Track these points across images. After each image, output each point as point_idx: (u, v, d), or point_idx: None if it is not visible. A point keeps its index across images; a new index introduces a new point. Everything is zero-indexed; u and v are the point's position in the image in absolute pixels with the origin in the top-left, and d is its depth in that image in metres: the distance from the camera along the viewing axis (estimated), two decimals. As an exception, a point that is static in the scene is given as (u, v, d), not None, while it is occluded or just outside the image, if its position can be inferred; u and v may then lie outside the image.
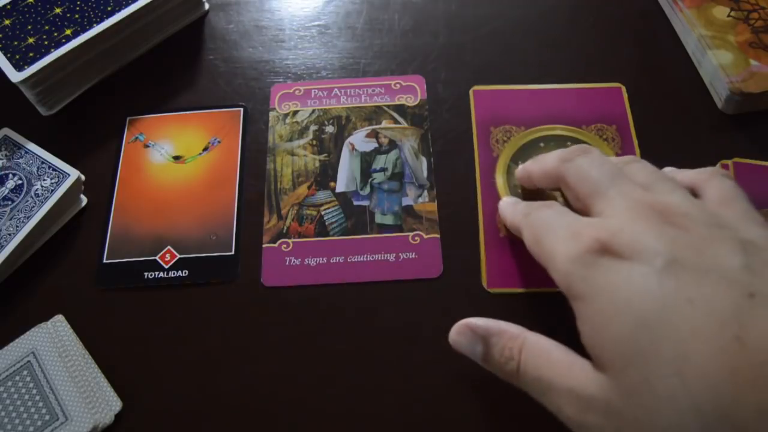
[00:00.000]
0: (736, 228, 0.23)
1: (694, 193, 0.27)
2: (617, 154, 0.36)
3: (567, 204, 0.29)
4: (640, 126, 0.37)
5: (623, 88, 0.38)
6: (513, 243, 0.33)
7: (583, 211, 0.27)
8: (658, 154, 0.36)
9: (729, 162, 0.34)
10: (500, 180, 0.36)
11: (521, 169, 0.33)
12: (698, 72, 0.39)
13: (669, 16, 0.42)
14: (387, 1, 0.44)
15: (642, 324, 0.21)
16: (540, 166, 0.31)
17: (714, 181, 0.27)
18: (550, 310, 0.29)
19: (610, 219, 0.24)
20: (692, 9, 0.39)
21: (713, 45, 0.38)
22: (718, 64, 0.37)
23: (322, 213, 0.35)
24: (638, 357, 0.21)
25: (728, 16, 0.39)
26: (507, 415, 0.29)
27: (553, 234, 0.25)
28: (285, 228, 0.35)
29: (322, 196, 0.35)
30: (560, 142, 0.37)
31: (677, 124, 0.37)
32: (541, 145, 0.36)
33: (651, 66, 0.40)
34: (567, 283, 0.24)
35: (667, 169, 0.31)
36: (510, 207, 0.32)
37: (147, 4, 0.38)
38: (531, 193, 0.34)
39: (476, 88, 0.39)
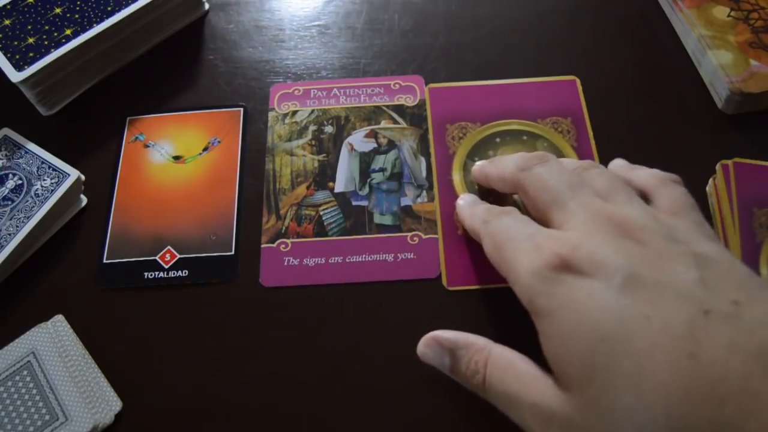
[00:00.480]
0: (689, 241, 0.24)
1: (646, 197, 0.27)
2: (573, 147, 0.36)
3: (524, 207, 0.30)
4: (638, 126, 0.37)
5: (577, 81, 0.39)
6: (470, 240, 0.33)
7: (542, 219, 0.27)
8: (658, 154, 0.36)
9: (729, 162, 0.34)
10: (457, 177, 0.36)
11: (478, 169, 0.33)
12: (698, 72, 0.39)
13: (669, 16, 0.41)
14: (387, 1, 0.44)
15: (601, 340, 0.21)
16: (497, 171, 0.31)
17: (665, 189, 0.27)
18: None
19: (571, 232, 0.25)
20: (692, 9, 0.39)
21: (713, 45, 0.38)
22: (718, 64, 0.37)
23: (321, 213, 0.35)
24: (598, 373, 0.21)
25: (728, 16, 0.39)
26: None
27: (514, 245, 0.25)
28: (284, 228, 0.35)
29: (320, 196, 0.36)
30: (516, 136, 0.37)
31: (677, 123, 0.37)
32: (497, 140, 0.37)
33: (650, 66, 0.40)
34: (529, 297, 0.24)
35: (619, 162, 0.31)
36: (468, 209, 0.32)
37: (147, 4, 0.38)
38: (487, 190, 0.34)
39: (432, 85, 0.39)
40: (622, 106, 0.38)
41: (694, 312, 0.20)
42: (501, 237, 0.27)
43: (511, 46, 0.41)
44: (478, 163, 0.34)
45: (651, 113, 0.38)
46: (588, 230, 0.24)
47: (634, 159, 0.36)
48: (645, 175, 0.29)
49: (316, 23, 0.43)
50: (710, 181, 0.34)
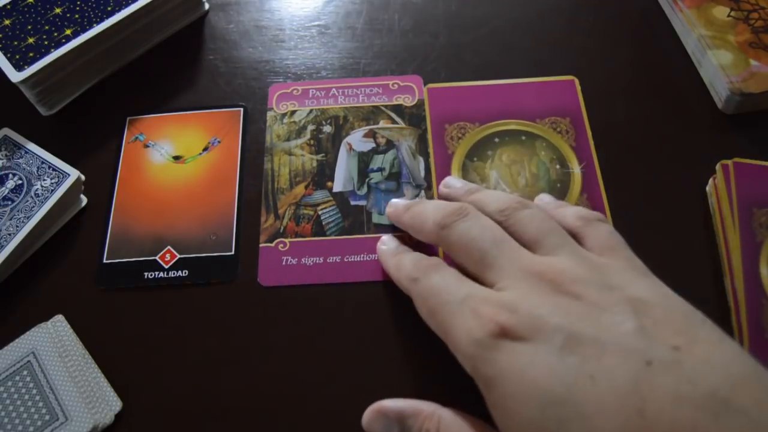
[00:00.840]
0: (623, 284, 0.24)
1: (575, 237, 0.27)
2: (572, 147, 0.36)
3: None
4: (640, 125, 0.37)
5: (576, 81, 0.39)
6: None
7: (473, 275, 0.27)
8: (657, 154, 0.36)
9: (729, 162, 0.34)
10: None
11: (394, 214, 0.32)
12: (698, 72, 0.39)
13: (669, 16, 0.41)
14: (387, 1, 0.44)
15: (548, 406, 0.21)
16: (416, 225, 0.30)
17: (592, 229, 0.27)
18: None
19: (504, 293, 0.24)
20: (692, 9, 0.39)
21: (713, 45, 0.38)
22: (718, 64, 0.37)
23: (319, 213, 0.35)
24: None
25: (728, 16, 0.39)
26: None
27: (449, 310, 0.25)
28: (282, 228, 0.35)
29: (319, 195, 0.36)
30: (515, 136, 0.37)
31: (676, 123, 0.37)
32: (496, 140, 0.37)
33: (650, 66, 0.40)
34: (472, 366, 0.24)
35: (545, 198, 0.32)
36: (392, 259, 0.31)
37: (147, 4, 0.38)
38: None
39: (430, 85, 0.39)
40: (621, 106, 0.38)
41: (637, 365, 0.20)
42: (434, 300, 0.26)
43: (510, 46, 0.41)
44: (394, 203, 0.33)
45: (651, 113, 0.38)
46: (522, 289, 0.24)
47: (634, 159, 0.36)
48: (570, 216, 0.28)
49: (316, 23, 0.43)
50: (710, 181, 0.34)
